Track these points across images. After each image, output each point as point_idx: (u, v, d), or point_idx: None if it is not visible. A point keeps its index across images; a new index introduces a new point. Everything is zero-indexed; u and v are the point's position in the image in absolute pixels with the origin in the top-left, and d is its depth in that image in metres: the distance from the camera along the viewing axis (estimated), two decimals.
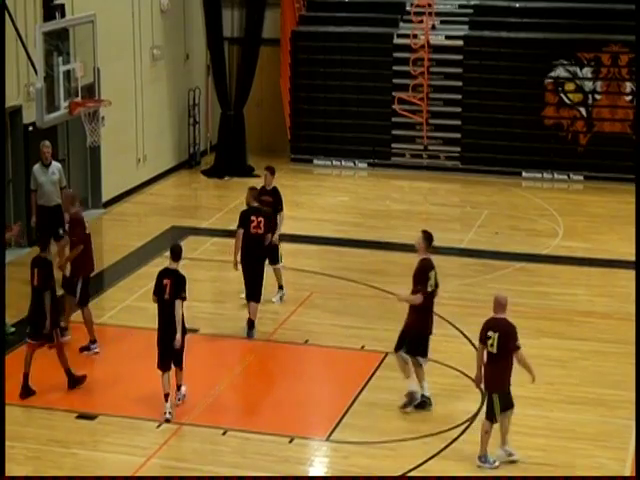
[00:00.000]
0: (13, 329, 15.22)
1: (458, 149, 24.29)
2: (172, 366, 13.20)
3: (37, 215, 16.92)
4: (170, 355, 13.15)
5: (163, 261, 18.33)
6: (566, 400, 13.61)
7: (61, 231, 16.86)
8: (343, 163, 24.97)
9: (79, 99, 18.35)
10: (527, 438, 12.59)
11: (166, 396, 13.03)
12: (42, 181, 16.86)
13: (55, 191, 16.91)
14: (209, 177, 24.08)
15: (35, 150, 18.78)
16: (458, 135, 24.28)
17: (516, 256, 18.82)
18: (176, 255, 13.42)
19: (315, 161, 25.14)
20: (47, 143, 17.17)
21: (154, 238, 19.69)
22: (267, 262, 16.21)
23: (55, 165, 17.09)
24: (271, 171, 16.87)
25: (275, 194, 16.67)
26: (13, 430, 12.58)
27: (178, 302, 13.09)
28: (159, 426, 12.82)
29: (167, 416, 12.92)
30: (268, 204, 16.38)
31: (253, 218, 15.64)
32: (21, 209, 18.88)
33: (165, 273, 13.28)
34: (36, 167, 16.99)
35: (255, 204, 15.84)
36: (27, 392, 13.51)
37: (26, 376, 13.53)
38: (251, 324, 15.52)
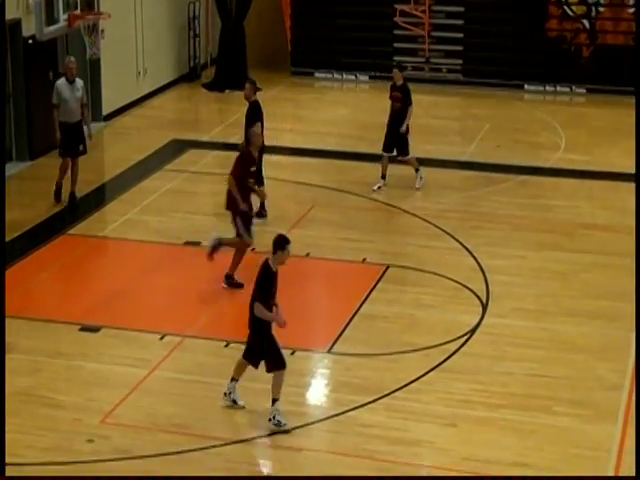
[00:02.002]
0: None
1: (460, 62, 24.11)
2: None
3: (60, 131, 16.55)
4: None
5: (163, 174, 18.43)
6: (567, 312, 13.68)
7: (81, 147, 16.73)
8: (344, 76, 24.78)
9: (78, 12, 18.14)
10: (527, 350, 12.68)
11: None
12: (66, 97, 16.52)
13: (77, 108, 16.65)
14: (209, 90, 23.92)
15: (34, 63, 18.68)
16: (460, 48, 24.08)
17: (518, 169, 18.78)
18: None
19: (316, 74, 24.96)
20: (72, 59, 16.86)
21: (155, 151, 19.62)
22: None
23: (79, 82, 16.77)
24: (253, 83, 16.66)
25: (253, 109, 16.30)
26: (16, 342, 12.72)
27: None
28: (162, 338, 12.90)
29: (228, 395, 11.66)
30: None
31: None
32: (21, 123, 18.76)
33: None
34: (60, 82, 16.64)
35: (254, 98, 16.11)
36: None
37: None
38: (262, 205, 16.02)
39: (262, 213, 16.31)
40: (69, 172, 16.86)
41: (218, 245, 14.37)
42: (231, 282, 14.28)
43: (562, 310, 13.74)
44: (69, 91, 16.55)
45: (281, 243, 11.31)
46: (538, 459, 10.56)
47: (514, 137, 20.63)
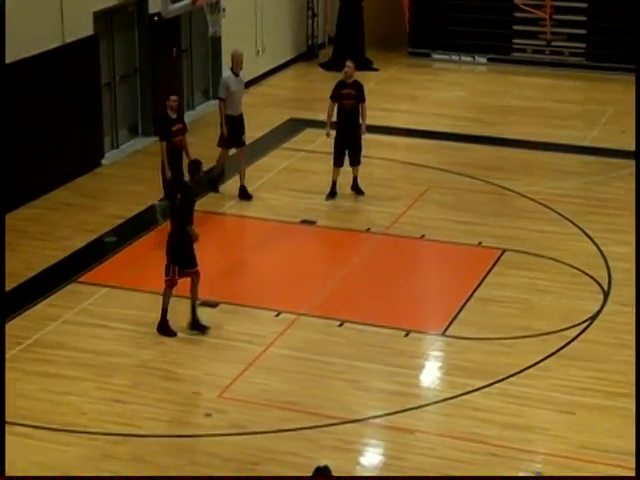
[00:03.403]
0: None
1: (583, 45, 23.67)
2: None
3: (227, 125, 16.36)
4: None
5: (280, 152, 18.55)
6: None
7: (243, 137, 16.67)
8: (462, 58, 24.57)
9: None
10: None
11: None
12: (234, 90, 16.32)
13: (242, 101, 16.58)
14: (327, 70, 23.95)
15: (159, 40, 18.98)
16: (583, 31, 23.64)
17: None
18: None
19: (433, 55, 24.80)
20: (239, 51, 16.71)
21: (272, 130, 19.77)
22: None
23: (242, 74, 16.68)
24: (354, 63, 16.74)
25: (358, 87, 16.47)
26: (140, 315, 13.03)
27: None
28: (277, 315, 13.03)
29: None
30: (351, 97, 16.34)
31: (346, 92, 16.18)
32: (147, 99, 19.09)
33: None
34: (228, 76, 16.49)
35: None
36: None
37: (164, 312, 12.66)
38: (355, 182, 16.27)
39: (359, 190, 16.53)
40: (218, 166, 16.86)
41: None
42: None
43: None
44: (236, 84, 16.37)
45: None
46: None
47: None
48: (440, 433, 10.81)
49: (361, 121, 16.38)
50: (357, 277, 14.37)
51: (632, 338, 12.30)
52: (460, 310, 13.22)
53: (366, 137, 16.67)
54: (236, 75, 16.45)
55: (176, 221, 12.58)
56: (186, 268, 12.53)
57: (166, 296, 12.57)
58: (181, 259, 12.48)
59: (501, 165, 18.07)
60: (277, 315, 13.05)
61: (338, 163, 16.48)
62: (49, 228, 15.33)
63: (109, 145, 18.36)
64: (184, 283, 12.63)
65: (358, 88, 16.44)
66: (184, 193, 12.59)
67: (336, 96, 16.45)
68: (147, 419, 10.92)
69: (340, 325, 12.87)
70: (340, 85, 16.49)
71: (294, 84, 23.30)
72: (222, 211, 16.28)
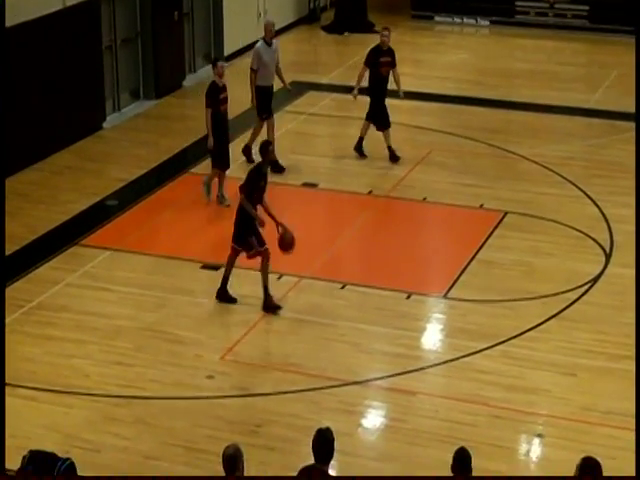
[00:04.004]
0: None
1: (586, 7, 23.52)
2: None
3: (257, 96, 16.00)
4: None
5: (282, 116, 18.47)
6: None
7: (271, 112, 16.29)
8: (465, 20, 24.43)
9: None
10: None
11: None
12: (266, 61, 15.92)
13: (274, 71, 16.16)
14: (329, 33, 23.85)
15: (160, 3, 18.89)
16: None
17: None
18: None
19: (436, 18, 24.67)
20: (271, 20, 16.36)
21: (275, 92, 19.62)
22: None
23: (275, 42, 16.20)
24: (389, 31, 16.68)
25: (392, 54, 16.47)
26: (142, 278, 13.06)
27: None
28: (279, 278, 13.03)
29: None
30: (387, 64, 16.30)
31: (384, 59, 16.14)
32: (148, 62, 19.02)
33: None
34: (260, 46, 16.02)
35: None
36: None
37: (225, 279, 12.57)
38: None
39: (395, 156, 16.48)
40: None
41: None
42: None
43: None
44: (268, 54, 15.97)
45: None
46: None
47: None
48: (442, 395, 10.86)
49: (398, 86, 16.41)
50: (359, 240, 14.37)
51: (634, 300, 12.31)
52: (462, 272, 13.22)
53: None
54: (268, 45, 16.04)
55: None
56: (237, 244, 12.38)
57: (264, 271, 12.31)
58: (236, 235, 12.36)
59: (504, 128, 18.02)
60: (279, 278, 13.05)
61: (385, 125, 16.35)
62: (52, 191, 15.33)
63: (111, 108, 18.32)
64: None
65: (393, 55, 16.42)
66: (250, 173, 12.41)
67: (373, 63, 16.28)
68: (150, 381, 10.97)
69: (342, 288, 12.88)
70: (377, 52, 16.35)
71: (296, 47, 23.18)
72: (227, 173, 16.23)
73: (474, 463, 7.42)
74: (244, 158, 16.29)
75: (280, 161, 16.12)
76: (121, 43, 18.53)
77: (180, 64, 19.88)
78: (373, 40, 22.63)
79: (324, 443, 7.51)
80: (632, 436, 10.01)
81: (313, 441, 7.53)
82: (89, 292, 12.71)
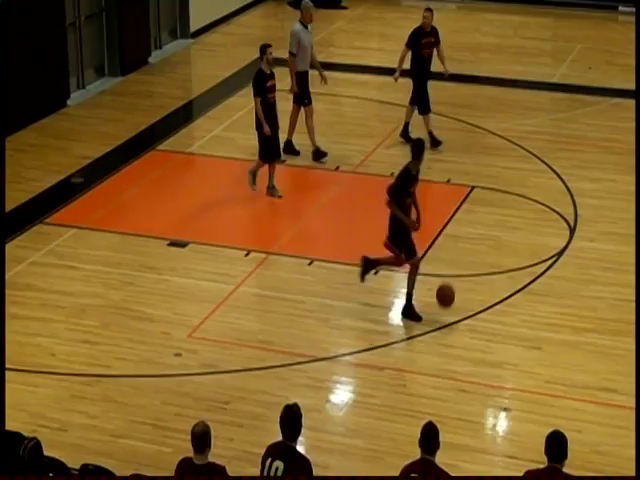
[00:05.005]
0: None
1: None
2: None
3: (298, 82, 15.41)
4: None
5: (250, 92, 18.28)
6: None
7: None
8: None
9: None
10: (617, 275, 12.50)
11: None
12: (305, 44, 15.32)
13: (310, 55, 15.57)
14: (296, 8, 23.53)
15: None
16: None
17: (610, 91, 18.38)
18: None
19: None
20: (310, 3, 15.67)
21: (242, 68, 19.58)
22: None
23: (309, 26, 15.56)
24: (432, 11, 16.18)
25: (436, 33, 16.07)
26: (108, 255, 12.99)
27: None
28: (247, 254, 13.02)
29: None
30: (430, 45, 15.89)
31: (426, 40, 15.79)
32: (113, 39, 18.85)
33: None
34: (299, 28, 15.39)
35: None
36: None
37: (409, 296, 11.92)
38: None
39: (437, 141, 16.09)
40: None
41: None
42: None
43: None
44: (307, 38, 15.39)
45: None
46: (625, 384, 10.45)
47: (607, 59, 20.15)
48: (410, 370, 10.89)
49: (443, 64, 16.09)
50: (326, 215, 14.36)
51: (598, 274, 12.45)
52: (430, 247, 13.24)
53: (338, 76, 16.56)
54: (306, 28, 15.49)
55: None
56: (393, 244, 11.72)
57: (410, 281, 11.70)
58: (404, 239, 11.66)
59: (471, 103, 18.02)
60: (247, 254, 13.03)
61: (425, 110, 16.01)
62: (15, 169, 15.17)
63: (75, 85, 18.16)
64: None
65: (436, 34, 16.01)
66: (399, 176, 11.68)
67: (415, 45, 15.85)
68: (117, 359, 10.94)
69: (310, 264, 12.87)
70: (419, 34, 15.89)
71: (263, 23, 23.07)
72: (191, 151, 16.19)
73: (441, 437, 7.47)
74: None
75: (297, 146, 15.81)
76: (85, 19, 18.36)
77: (145, 40, 19.72)
78: (341, 16, 22.78)
79: (291, 419, 7.54)
80: (596, 408, 10.16)
81: (280, 417, 7.55)
82: (54, 270, 12.64)
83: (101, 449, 9.52)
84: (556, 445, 7.27)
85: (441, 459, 7.48)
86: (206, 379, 10.65)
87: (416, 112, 16.06)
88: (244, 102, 17.86)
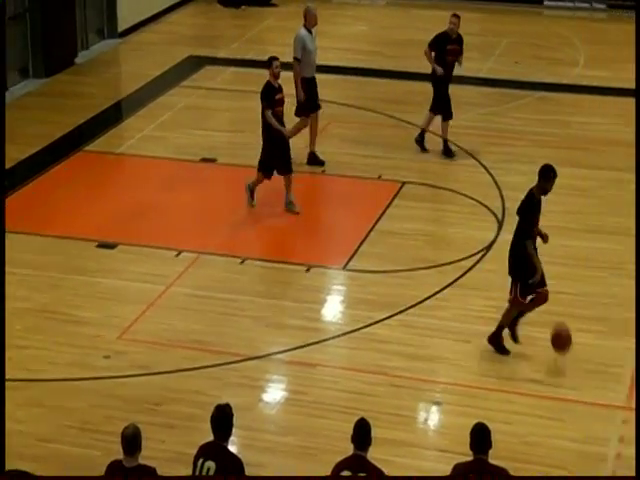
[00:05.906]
0: None
1: None
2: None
3: (304, 89, 14.97)
4: None
5: (180, 90, 18.31)
6: (585, 229, 13.62)
7: (318, 101, 15.43)
8: None
9: None
10: (545, 266, 12.57)
11: None
12: (310, 49, 14.94)
13: (315, 60, 15.25)
14: (225, 6, 23.63)
15: None
16: None
17: (537, 85, 18.58)
18: None
19: None
20: (314, 6, 15.32)
21: (171, 67, 19.49)
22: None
23: (314, 30, 15.23)
24: (458, 17, 15.68)
25: (461, 41, 15.66)
26: (33, 259, 12.83)
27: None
28: (178, 255, 12.93)
29: None
30: (454, 53, 15.53)
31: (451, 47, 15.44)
32: (37, 40, 18.60)
33: None
34: (304, 33, 14.99)
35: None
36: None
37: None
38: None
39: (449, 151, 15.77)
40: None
41: None
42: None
43: (582, 227, 13.66)
44: (312, 43, 15.05)
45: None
46: (553, 375, 10.59)
47: (533, 53, 20.37)
48: (343, 366, 10.90)
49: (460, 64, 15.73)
50: (257, 214, 14.31)
51: None
52: (361, 244, 13.27)
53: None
54: (310, 32, 15.13)
55: (516, 232, 10.93)
56: (534, 287, 10.79)
57: (507, 316, 10.97)
58: (524, 276, 10.78)
59: (403, 99, 18.09)
60: (177, 255, 12.95)
61: (447, 116, 15.63)
62: None
63: None
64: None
65: (461, 43, 15.58)
66: (525, 200, 10.84)
67: (439, 50, 15.44)
68: (47, 363, 10.81)
69: (242, 262, 12.83)
70: (444, 39, 15.45)
71: (193, 21, 22.97)
72: (120, 151, 16.05)
73: (374, 432, 7.49)
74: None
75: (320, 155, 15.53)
76: (9, 20, 18.06)
77: (72, 41, 19.48)
78: (270, 13, 22.73)
79: (223, 419, 7.52)
80: (527, 400, 10.22)
81: (212, 417, 7.52)
82: None
83: (28, 453, 9.38)
84: (481, 437, 7.35)
85: (374, 454, 7.49)
86: (137, 381, 10.56)
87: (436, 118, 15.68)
88: (174, 101, 17.82)
